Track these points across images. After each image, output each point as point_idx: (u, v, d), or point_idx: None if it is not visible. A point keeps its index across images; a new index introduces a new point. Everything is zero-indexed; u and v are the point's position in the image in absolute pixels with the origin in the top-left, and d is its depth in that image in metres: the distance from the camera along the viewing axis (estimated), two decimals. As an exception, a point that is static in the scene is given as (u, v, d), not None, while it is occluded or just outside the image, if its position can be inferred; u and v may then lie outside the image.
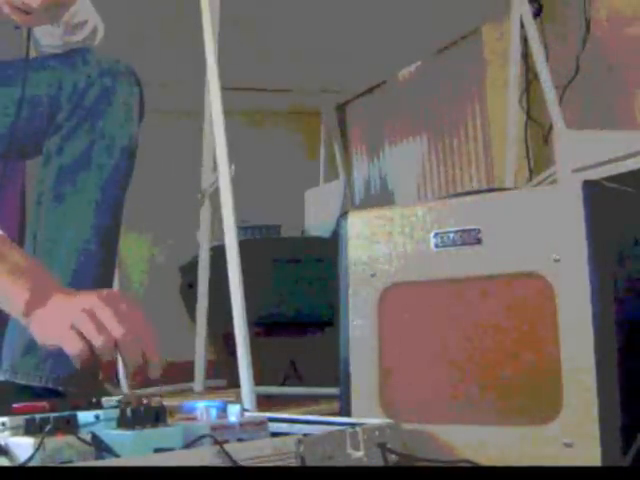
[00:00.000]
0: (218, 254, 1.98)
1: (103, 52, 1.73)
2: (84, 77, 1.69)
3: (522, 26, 2.58)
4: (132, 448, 1.08)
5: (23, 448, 1.04)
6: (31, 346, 1.65)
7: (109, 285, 1.75)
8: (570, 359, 1.24)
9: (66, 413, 1.14)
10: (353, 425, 1.22)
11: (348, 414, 1.42)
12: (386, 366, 1.41)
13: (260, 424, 1.18)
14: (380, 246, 1.43)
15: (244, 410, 1.22)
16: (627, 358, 1.28)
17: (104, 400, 1.25)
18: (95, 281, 1.69)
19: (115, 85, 1.70)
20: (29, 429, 1.10)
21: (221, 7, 2.10)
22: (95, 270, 1.69)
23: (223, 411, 1.19)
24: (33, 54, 1.73)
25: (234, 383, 1.89)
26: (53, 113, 1.69)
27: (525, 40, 2.61)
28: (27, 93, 1.68)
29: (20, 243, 1.73)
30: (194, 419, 1.19)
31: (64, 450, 1.06)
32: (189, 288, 2.58)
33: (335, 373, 1.46)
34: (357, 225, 1.47)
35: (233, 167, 1.96)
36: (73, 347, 1.22)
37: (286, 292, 2.69)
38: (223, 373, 2.68)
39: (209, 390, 2.38)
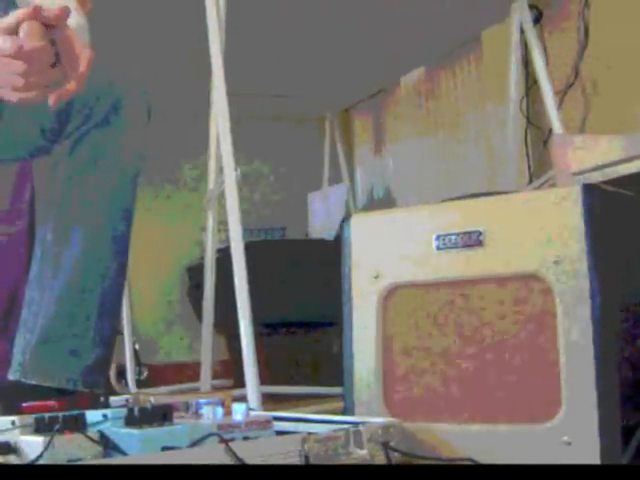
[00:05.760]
0: (225, 256, 1.99)
1: (113, 62, 1.75)
2: (96, 87, 1.71)
3: (522, 31, 2.59)
4: (139, 446, 1.09)
5: (32, 446, 1.06)
6: (40, 347, 1.67)
7: (120, 290, 1.76)
8: (570, 358, 1.25)
9: (75, 412, 1.16)
10: (356, 424, 1.23)
11: (352, 413, 1.43)
12: (389, 366, 1.42)
13: (265, 423, 1.19)
14: (383, 248, 1.45)
15: (249, 409, 1.23)
16: (627, 357, 1.29)
17: (112, 399, 1.27)
18: (104, 283, 1.70)
19: (124, 95, 1.71)
20: (38, 428, 1.11)
21: (227, 12, 2.12)
22: (105, 272, 1.71)
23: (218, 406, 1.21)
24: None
25: (240, 383, 1.90)
26: (65, 120, 1.71)
27: (525, 45, 2.62)
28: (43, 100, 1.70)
29: (30, 243, 1.75)
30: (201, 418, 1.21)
31: (73, 448, 1.07)
32: (196, 289, 2.59)
33: (339, 373, 1.47)
34: (360, 227, 1.48)
35: (239, 170, 1.97)
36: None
37: (290, 293, 2.70)
38: (230, 373, 2.70)
39: (216, 390, 2.39)
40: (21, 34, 1.31)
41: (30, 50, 1.30)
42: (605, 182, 1.52)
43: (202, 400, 1.24)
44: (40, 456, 1.04)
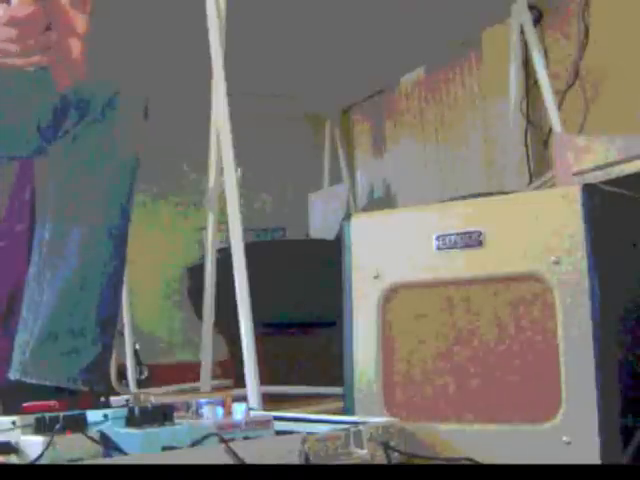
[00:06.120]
0: (226, 256, 1.99)
1: (110, 59, 1.76)
2: (91, 83, 1.71)
3: (522, 32, 2.60)
4: (140, 446, 1.09)
5: (33, 446, 1.06)
6: (40, 346, 1.67)
7: (119, 288, 1.77)
8: (570, 358, 1.26)
9: (75, 412, 1.16)
10: (357, 424, 1.23)
11: (352, 413, 1.43)
12: (389, 366, 1.42)
13: (265, 423, 1.20)
14: (383, 248, 1.45)
15: (250, 409, 1.24)
16: (626, 357, 1.29)
17: (113, 399, 1.27)
18: (103, 282, 1.71)
19: (120, 92, 1.72)
20: (39, 428, 1.11)
21: (227, 12, 2.12)
22: (103, 271, 1.71)
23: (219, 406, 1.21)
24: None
25: (240, 383, 1.91)
26: (61, 117, 1.71)
27: (525, 45, 2.63)
28: (39, 98, 1.71)
29: (30, 244, 1.75)
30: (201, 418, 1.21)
31: (73, 448, 1.07)
32: (197, 289, 2.60)
33: (339, 373, 1.47)
34: (360, 227, 1.49)
35: (239, 171, 1.97)
36: None
37: (291, 293, 2.70)
38: (230, 373, 2.70)
39: (216, 390, 2.39)
40: (13, 1, 1.32)
41: (22, 16, 1.31)
42: (605, 182, 1.52)
43: (202, 400, 1.24)
44: (41, 456, 1.04)
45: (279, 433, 1.21)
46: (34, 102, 1.73)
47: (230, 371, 2.72)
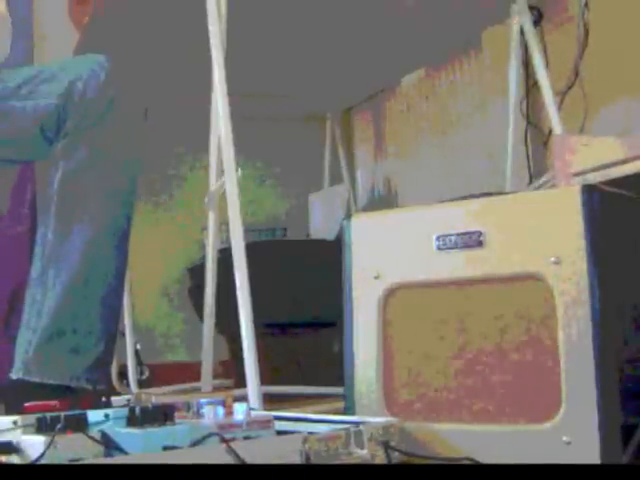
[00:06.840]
0: (226, 256, 1.99)
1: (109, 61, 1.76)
2: (92, 87, 1.71)
3: (522, 32, 2.60)
4: (141, 446, 1.09)
5: (34, 446, 1.06)
6: (43, 345, 1.67)
7: (121, 288, 1.77)
8: (570, 358, 1.26)
9: (76, 412, 1.16)
10: (357, 424, 1.24)
11: (352, 413, 1.43)
12: (389, 366, 1.43)
13: (266, 422, 1.20)
14: (383, 248, 1.45)
15: (250, 409, 1.24)
16: (626, 357, 1.30)
17: (113, 399, 1.28)
18: (105, 281, 1.71)
19: (120, 94, 1.72)
20: (40, 427, 1.12)
21: (228, 12, 2.12)
22: (106, 270, 1.72)
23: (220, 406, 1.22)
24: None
25: (241, 383, 1.91)
26: (61, 121, 1.72)
27: (525, 46, 2.63)
28: (38, 101, 1.71)
29: (32, 246, 1.76)
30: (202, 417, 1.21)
31: (74, 448, 1.07)
32: (197, 289, 2.60)
33: (340, 373, 1.48)
34: (360, 227, 1.49)
35: (240, 171, 1.97)
36: None
37: (291, 293, 2.70)
38: (231, 373, 2.70)
39: (216, 390, 2.39)
40: None
41: None
42: (605, 182, 1.52)
43: (203, 400, 1.24)
44: (42, 456, 1.05)
45: (280, 433, 1.22)
46: (37, 105, 1.73)
47: (231, 371, 2.73)
